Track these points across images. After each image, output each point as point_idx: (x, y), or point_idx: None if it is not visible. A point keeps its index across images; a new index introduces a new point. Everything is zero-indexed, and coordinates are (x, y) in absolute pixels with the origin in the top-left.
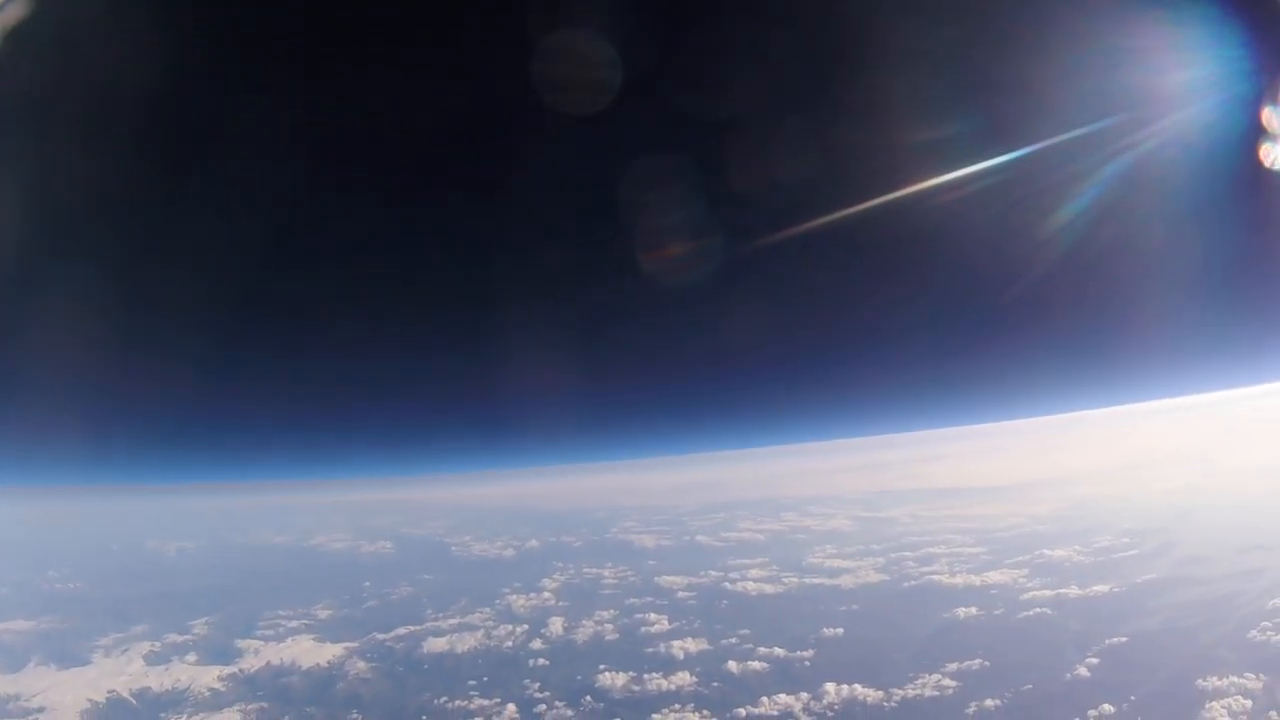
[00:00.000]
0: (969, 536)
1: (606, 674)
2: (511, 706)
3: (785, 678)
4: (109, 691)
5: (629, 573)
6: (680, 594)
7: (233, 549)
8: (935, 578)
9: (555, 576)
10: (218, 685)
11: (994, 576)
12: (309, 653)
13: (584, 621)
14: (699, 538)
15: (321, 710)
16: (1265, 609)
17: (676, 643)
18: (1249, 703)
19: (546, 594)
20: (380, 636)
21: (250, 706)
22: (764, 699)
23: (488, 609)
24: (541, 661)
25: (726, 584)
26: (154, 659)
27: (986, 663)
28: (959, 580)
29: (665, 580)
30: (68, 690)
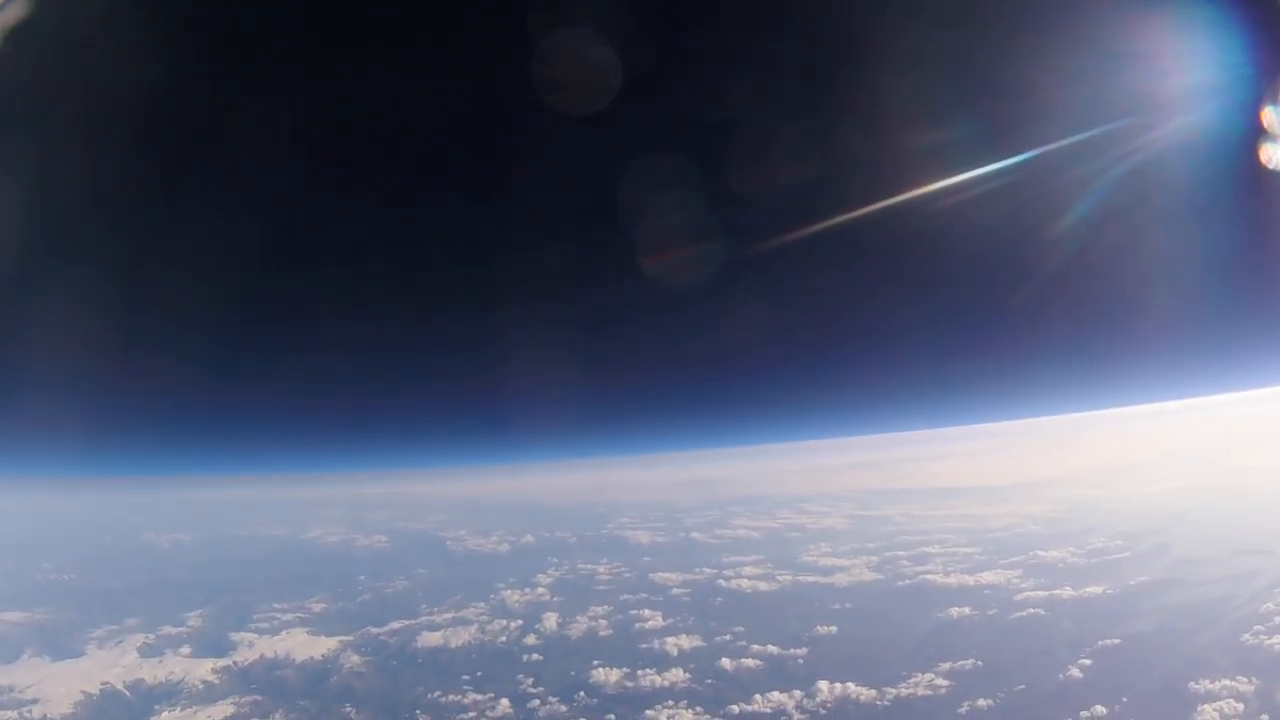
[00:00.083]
0: (963, 536)
1: (600, 670)
2: (505, 701)
3: (779, 675)
4: (103, 683)
5: (624, 569)
6: (675, 590)
7: (228, 542)
8: (929, 577)
9: (550, 572)
10: (211, 678)
11: (988, 577)
12: (303, 646)
13: (578, 617)
14: (694, 534)
15: (315, 704)
16: (1259, 612)
17: (670, 639)
18: (1241, 706)
19: (541, 589)
20: (374, 630)
21: (244, 699)
22: (757, 696)
23: (482, 604)
24: (535, 657)
25: (721, 581)
26: (148, 651)
27: (979, 662)
28: (953, 580)
29: (660, 577)
30: (61, 682)
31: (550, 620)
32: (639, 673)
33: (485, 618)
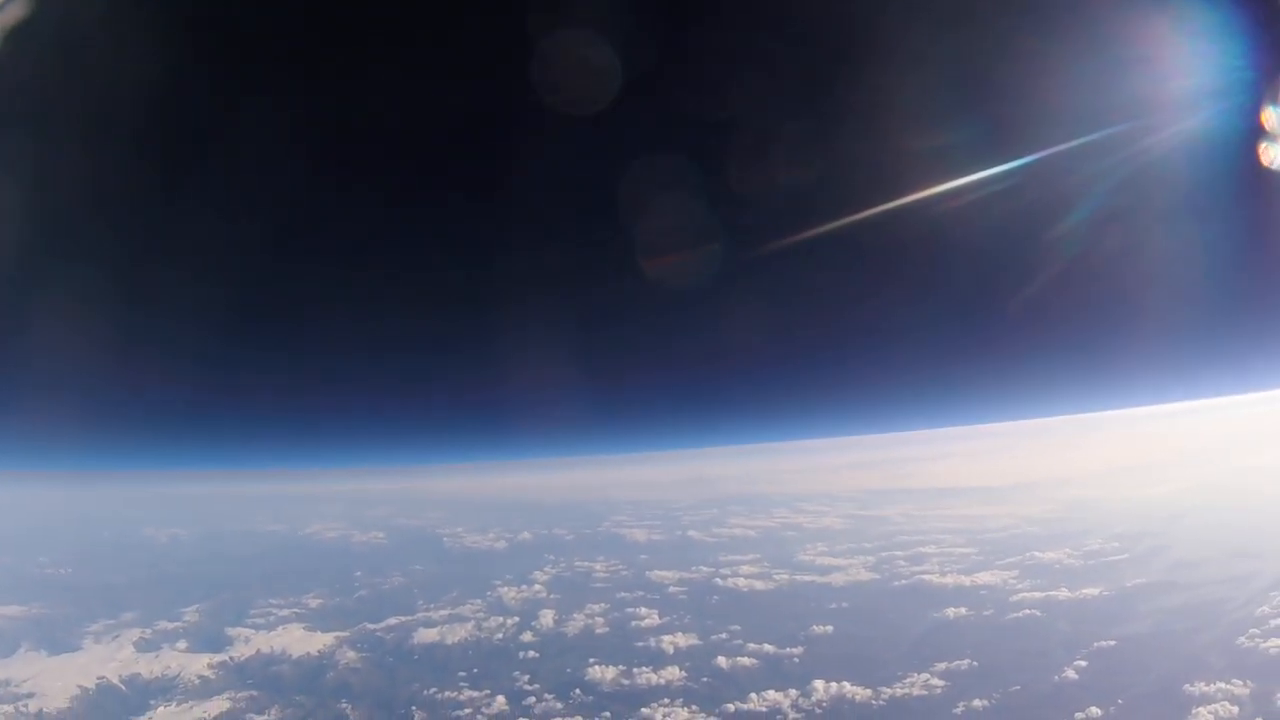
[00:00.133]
0: (960, 536)
1: (596, 667)
2: (501, 698)
3: (774, 674)
4: (99, 678)
5: (620, 566)
6: (671, 589)
7: (225, 537)
8: (926, 577)
9: (547, 569)
10: (208, 673)
11: (984, 577)
12: (299, 641)
13: (575, 615)
14: (691, 533)
15: (311, 699)
16: (1255, 615)
17: (667, 637)
18: (1236, 709)
19: (538, 586)
20: (371, 626)
21: (240, 695)
22: (753, 695)
23: (479, 600)
24: (532, 654)
25: (717, 579)
26: (144, 646)
27: (975, 663)
28: (949, 580)
29: (656, 575)
30: (58, 676)
31: (547, 617)
32: (635, 670)
33: (482, 614)
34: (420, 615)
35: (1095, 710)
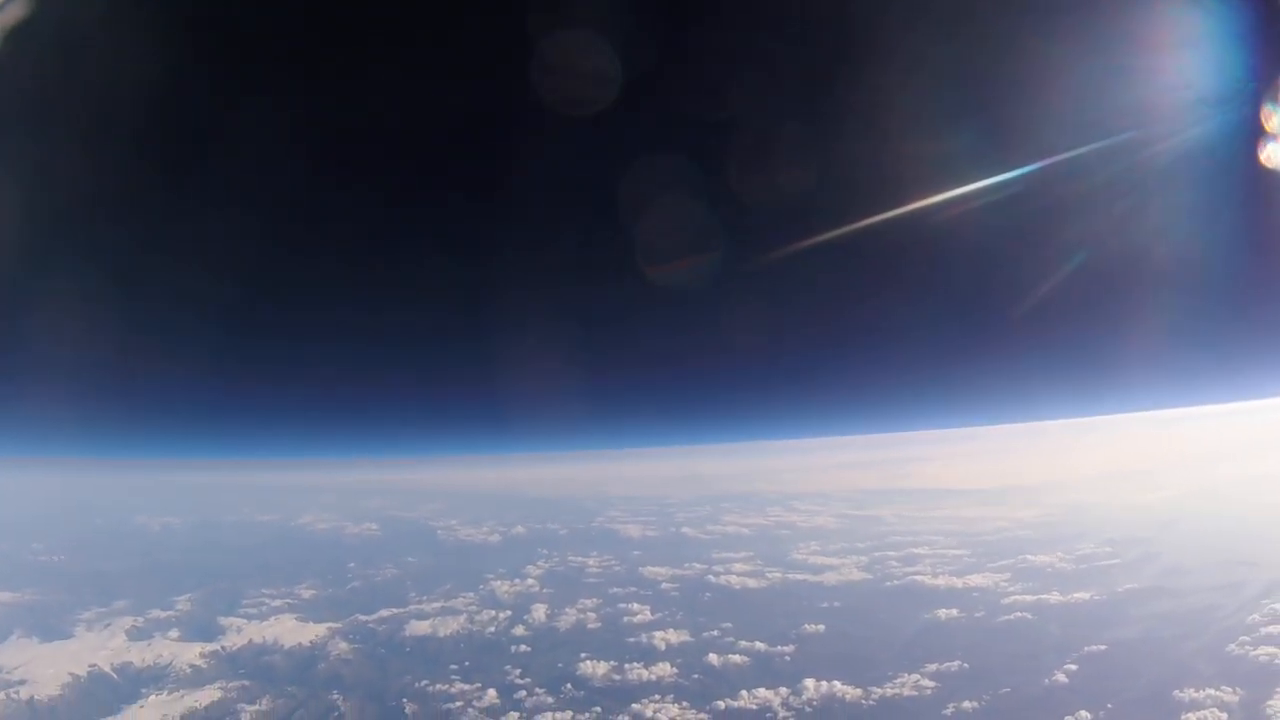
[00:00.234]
0: (953, 538)
1: (588, 662)
2: (492, 692)
3: (765, 672)
4: (90, 665)
5: (613, 562)
6: (664, 585)
7: (219, 526)
8: (918, 578)
9: (540, 563)
10: (199, 662)
11: (976, 579)
12: (291, 632)
13: (567, 609)
14: (684, 530)
15: (303, 690)
16: (1245, 623)
17: (658, 634)
18: (1225, 715)
19: (530, 581)
20: (363, 618)
21: (231, 684)
22: (743, 693)
23: (471, 594)
24: (523, 648)
25: (710, 577)
26: (136, 634)
27: (966, 665)
28: (941, 581)
29: (649, 571)
30: (49, 663)
31: (539, 612)
32: (626, 666)
33: (474, 608)
34: (413, 607)
35: (1085, 714)
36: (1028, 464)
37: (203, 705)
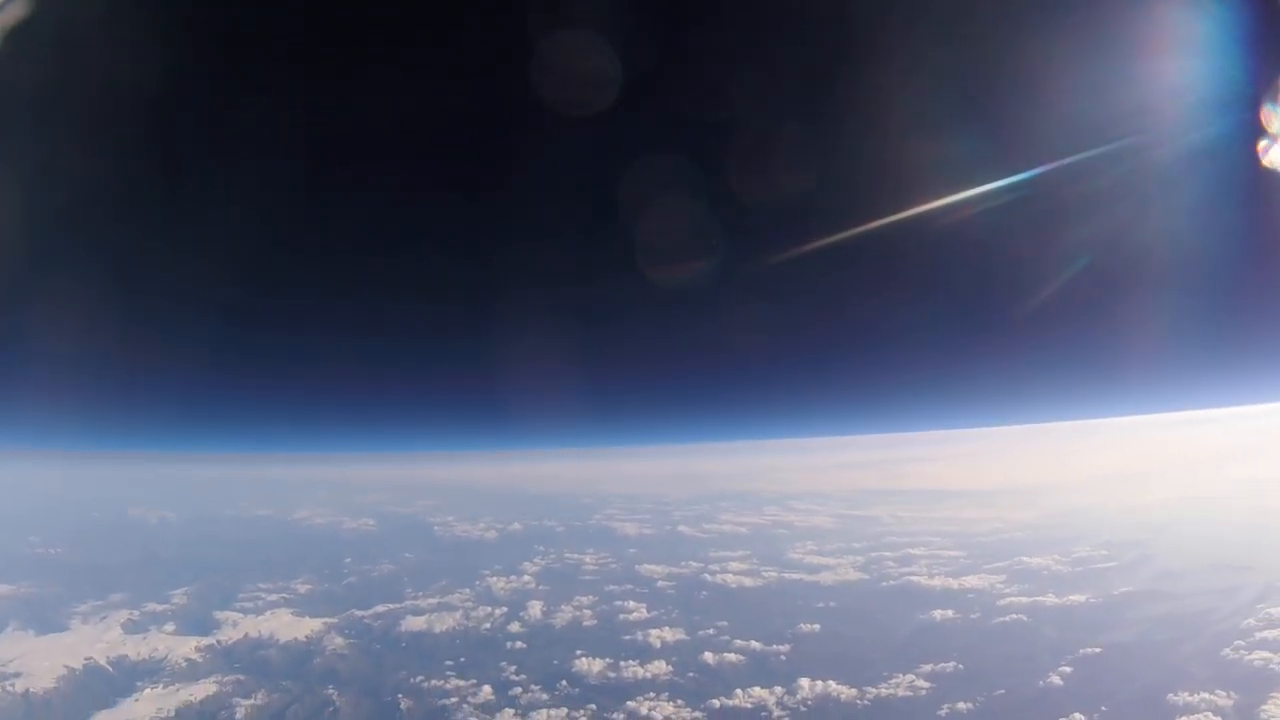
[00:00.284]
0: (949, 540)
1: (583, 659)
2: (487, 688)
3: (761, 671)
4: (86, 659)
5: (610, 560)
6: (660, 583)
7: (216, 520)
8: (914, 579)
9: (536, 560)
10: (195, 656)
11: (972, 581)
12: (287, 627)
13: (563, 606)
14: (681, 528)
15: (298, 685)
16: (1240, 627)
17: (654, 631)
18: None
19: (527, 577)
20: (359, 613)
21: (227, 679)
22: (738, 691)
23: (467, 590)
24: (519, 644)
25: (706, 575)
26: (132, 627)
27: (961, 666)
28: (937, 582)
29: (646, 569)
30: (45, 656)
31: (535, 609)
32: (622, 664)
33: (470, 604)
34: (409, 603)
35: (1079, 716)
36: (1024, 466)
37: (198, 699)
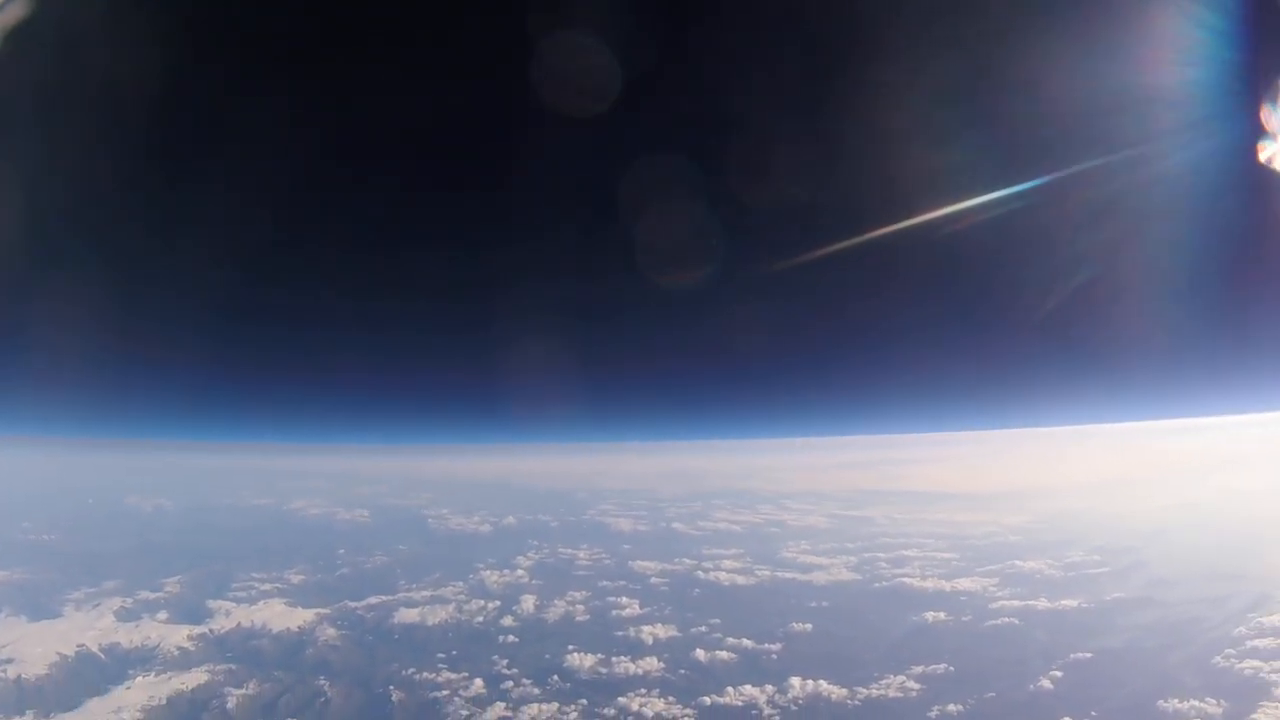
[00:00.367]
0: (943, 542)
1: (575, 654)
2: (479, 681)
3: (752, 669)
4: (78, 645)
5: (604, 555)
6: (653, 580)
7: (210, 509)
8: (906, 580)
9: (530, 554)
10: (187, 645)
11: (964, 583)
12: (280, 617)
13: (556, 601)
14: (675, 525)
15: (290, 675)
16: (1231, 636)
17: (646, 628)
18: None
19: (520, 571)
20: (352, 605)
21: (218, 668)
22: (729, 689)
23: (461, 583)
24: (511, 638)
25: (700, 573)
26: (125, 615)
27: (951, 668)
28: (930, 584)
29: (639, 565)
30: (38, 642)
31: (528, 603)
32: (613, 659)
33: (463, 597)
34: (402, 595)
35: None
36: (1019, 470)
37: (189, 688)
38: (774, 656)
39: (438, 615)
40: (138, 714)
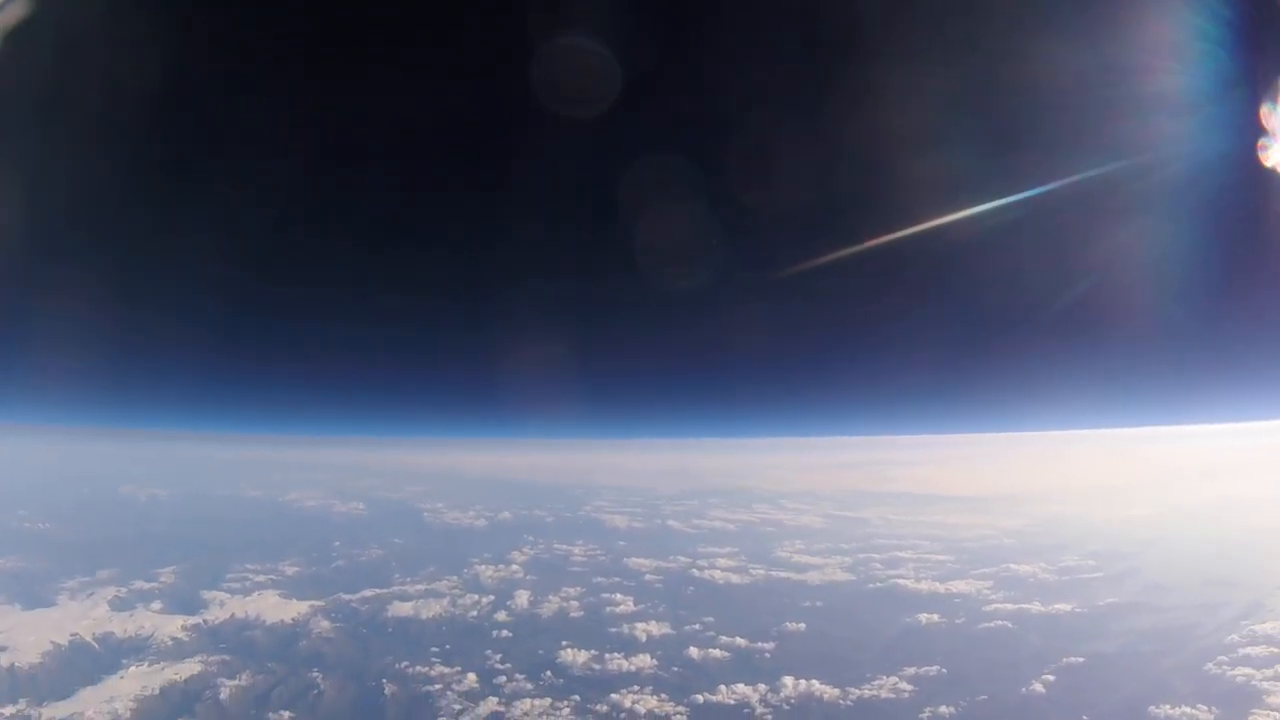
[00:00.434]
0: (937, 544)
1: (569, 650)
2: (472, 676)
3: (745, 668)
4: (72, 635)
5: (599, 552)
6: (648, 577)
7: (206, 500)
8: (900, 581)
9: (525, 550)
10: (181, 635)
11: (958, 585)
12: (274, 608)
13: (550, 597)
14: (671, 522)
15: (283, 667)
16: (1224, 643)
17: (640, 625)
18: None
19: (515, 566)
20: (346, 597)
21: (212, 658)
22: (722, 687)
23: (455, 577)
24: (505, 633)
25: (694, 570)
26: (119, 604)
27: (944, 670)
28: (924, 586)
29: (634, 562)
30: (31, 631)
31: (522, 598)
32: (607, 656)
33: (457, 591)
34: (396, 588)
35: None
36: (1015, 473)
37: (183, 678)
38: (767, 655)
39: (432, 609)
40: (131, 704)
